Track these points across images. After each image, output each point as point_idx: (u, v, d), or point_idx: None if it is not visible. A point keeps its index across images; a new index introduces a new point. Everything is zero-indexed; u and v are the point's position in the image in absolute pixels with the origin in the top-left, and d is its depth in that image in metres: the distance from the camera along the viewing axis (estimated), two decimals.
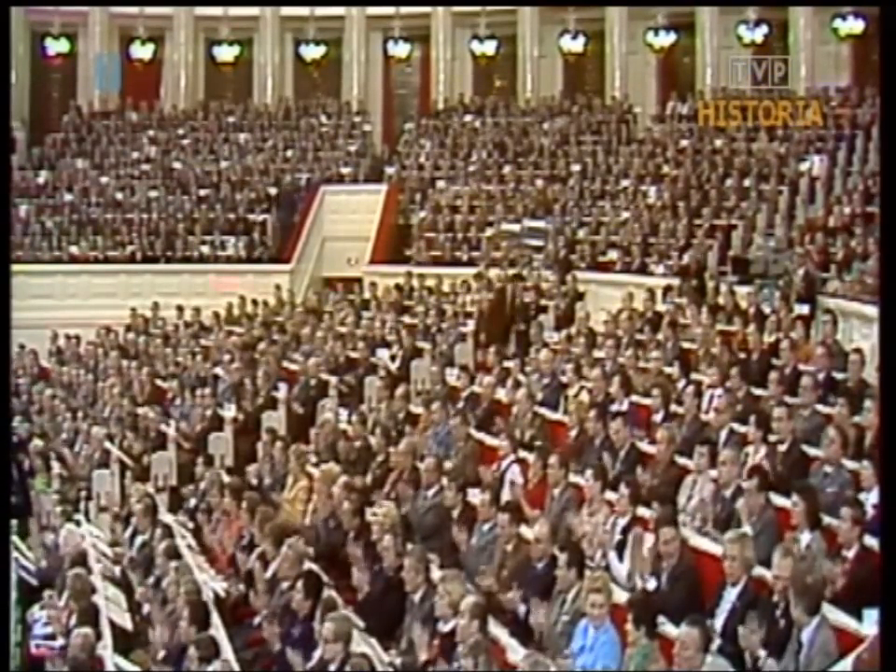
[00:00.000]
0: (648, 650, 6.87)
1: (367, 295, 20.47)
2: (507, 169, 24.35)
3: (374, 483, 11.22)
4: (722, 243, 18.45)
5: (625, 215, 21.24)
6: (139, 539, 11.09)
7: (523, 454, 10.61)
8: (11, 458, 12.97)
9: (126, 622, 9.35)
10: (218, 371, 16.58)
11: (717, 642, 6.97)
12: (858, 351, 11.27)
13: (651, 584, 7.88)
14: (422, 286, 19.58)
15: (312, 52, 27.80)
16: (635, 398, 11.69)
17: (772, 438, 9.47)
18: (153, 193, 24.94)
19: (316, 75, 28.66)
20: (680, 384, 11.63)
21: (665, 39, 25.62)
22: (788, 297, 14.76)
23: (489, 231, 22.26)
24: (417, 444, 11.50)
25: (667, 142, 23.43)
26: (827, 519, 7.85)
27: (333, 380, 15.12)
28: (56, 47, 27.49)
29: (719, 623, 7.26)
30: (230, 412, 14.84)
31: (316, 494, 10.70)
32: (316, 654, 7.71)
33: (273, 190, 24.77)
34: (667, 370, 12.44)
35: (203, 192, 24.91)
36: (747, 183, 20.41)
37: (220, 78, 28.69)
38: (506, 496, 9.83)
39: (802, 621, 6.58)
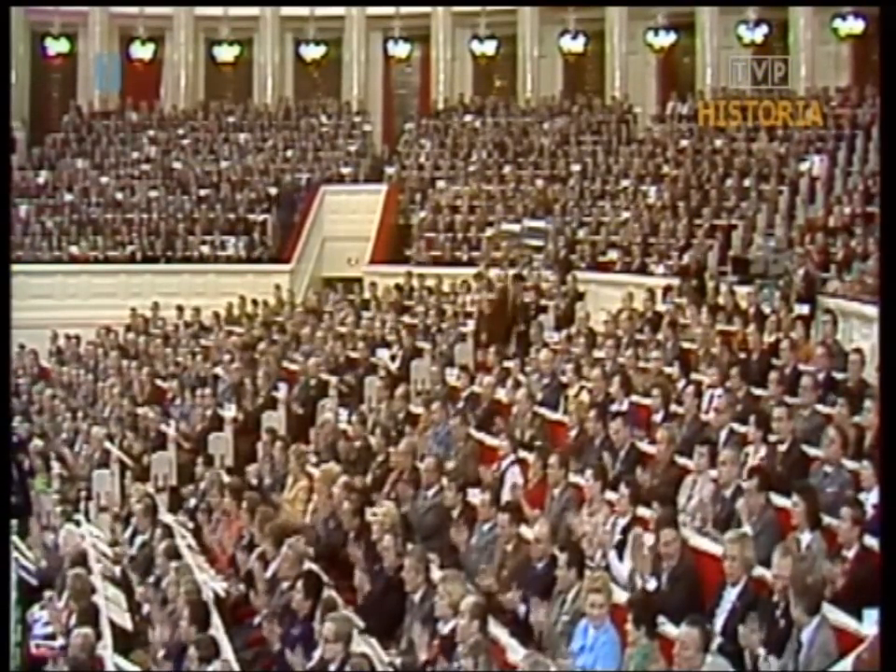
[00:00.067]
0: (648, 650, 6.87)
1: (367, 295, 20.47)
2: (507, 169, 24.35)
3: (374, 483, 11.21)
4: (722, 243, 18.46)
5: (625, 215, 21.25)
6: (139, 539, 11.09)
7: (523, 454, 10.61)
8: (11, 458, 12.97)
9: (126, 622, 9.35)
10: (218, 371, 16.57)
11: (717, 642, 6.97)
12: (858, 351, 11.27)
13: (652, 584, 7.88)
14: (422, 286, 19.58)
15: (312, 52, 27.80)
16: (635, 398, 11.69)
17: (772, 438, 9.47)
18: (153, 193, 24.94)
19: (316, 75, 28.66)
20: (680, 384, 11.63)
21: (665, 39, 25.62)
22: (788, 297, 14.76)
23: (489, 231, 22.26)
24: (417, 444, 11.50)
25: (667, 142, 23.43)
26: (827, 519, 7.85)
27: (333, 380, 15.12)
28: (56, 47, 27.49)
29: (719, 623, 7.26)
30: (230, 412, 14.84)
31: (317, 494, 10.70)
32: (316, 654, 7.71)
33: (273, 190, 24.77)
34: (667, 370, 12.44)
35: (203, 192, 24.91)
36: (747, 183, 20.41)
37: (220, 78, 28.69)
38: (506, 496, 9.83)
39: (802, 621, 6.58)
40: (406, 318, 18.01)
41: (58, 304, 22.29)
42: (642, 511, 8.69)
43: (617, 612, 7.23)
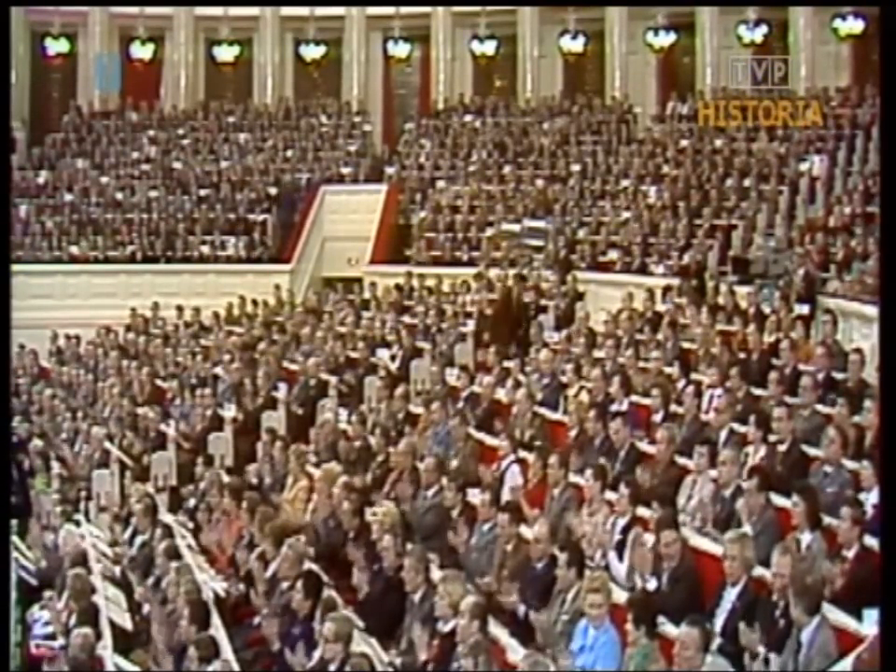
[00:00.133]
0: (648, 650, 6.87)
1: (367, 295, 20.47)
2: (507, 169, 24.35)
3: (374, 482, 11.21)
4: (722, 243, 18.46)
5: (625, 215, 21.25)
6: (139, 539, 11.09)
7: (523, 454, 10.61)
8: (11, 458, 12.96)
9: (126, 622, 9.36)
10: (218, 371, 16.57)
11: (717, 642, 6.97)
12: (858, 351, 11.27)
13: (652, 584, 7.88)
14: (422, 286, 19.58)
15: (312, 52, 27.79)
16: (635, 398, 11.69)
17: (772, 438, 9.47)
18: (153, 193, 24.94)
19: (316, 75, 28.65)
20: (680, 384, 11.63)
21: (665, 39, 25.60)
22: (788, 297, 14.76)
23: (489, 231, 22.26)
24: (417, 444, 11.50)
25: (667, 142, 23.43)
26: (827, 519, 7.85)
27: (333, 380, 15.12)
28: (56, 47, 27.48)
29: (719, 623, 7.26)
30: (230, 412, 14.84)
31: (317, 493, 10.69)
32: (316, 654, 7.71)
33: (273, 190, 24.77)
34: (667, 370, 12.44)
35: (203, 192, 24.91)
36: (747, 183, 20.41)
37: (220, 78, 28.68)
38: (506, 496, 9.83)
39: (801, 621, 6.59)
40: (406, 318, 18.01)
41: (58, 304, 22.29)
42: (642, 511, 8.69)
43: (617, 612, 7.23)
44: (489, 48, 27.10)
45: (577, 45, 26.45)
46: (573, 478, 9.64)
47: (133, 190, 25.03)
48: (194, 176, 25.37)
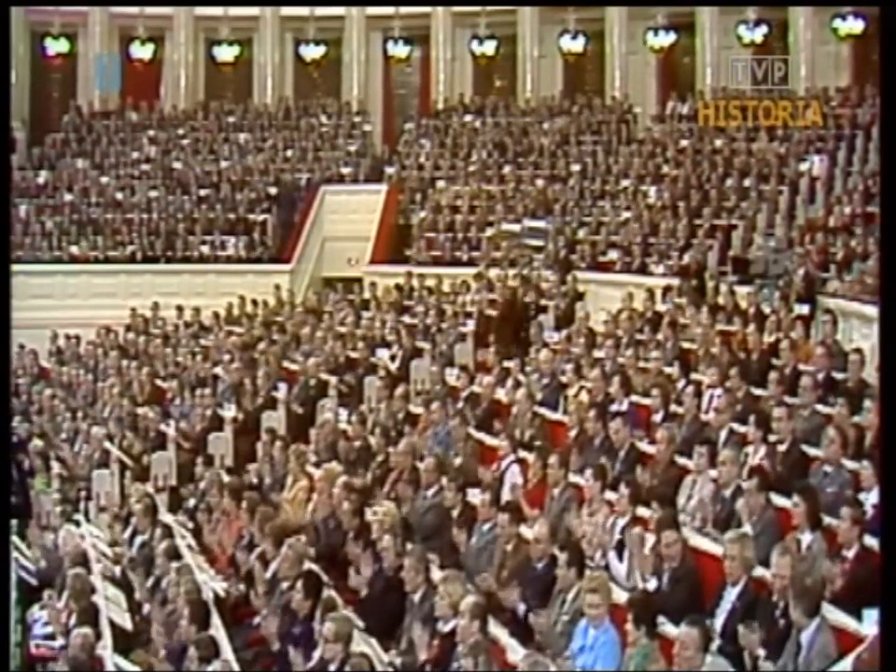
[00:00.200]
0: (648, 650, 6.87)
1: (367, 295, 20.47)
2: (507, 169, 24.35)
3: (374, 482, 11.21)
4: (722, 243, 18.46)
5: (625, 215, 21.25)
6: (139, 539, 11.09)
7: (523, 454, 10.61)
8: (11, 458, 12.95)
9: (126, 622, 9.36)
10: (218, 371, 16.57)
11: (717, 642, 6.97)
12: (858, 351, 11.27)
13: (652, 584, 7.88)
14: (422, 286, 19.58)
15: (312, 52, 27.78)
16: (634, 398, 11.69)
17: (772, 438, 9.47)
18: (153, 193, 24.94)
19: (316, 75, 28.65)
20: (680, 384, 11.63)
21: (665, 39, 25.59)
22: (788, 297, 14.76)
23: (489, 231, 22.26)
24: (417, 444, 11.50)
25: (667, 142, 23.43)
26: (827, 519, 7.85)
27: (333, 380, 15.12)
28: (56, 47, 27.46)
29: (719, 623, 7.26)
30: (230, 412, 14.84)
31: (317, 493, 10.69)
32: (316, 654, 7.71)
33: (273, 190, 24.77)
34: (667, 370, 12.44)
35: (203, 192, 24.91)
36: (747, 183, 20.41)
37: (220, 78, 28.68)
38: (506, 496, 9.83)
39: (801, 623, 6.58)
40: (406, 318, 18.01)
41: (58, 304, 22.29)
42: (642, 511, 8.69)
43: (617, 612, 7.22)
44: (489, 48, 27.09)
45: (577, 45, 26.45)
46: (573, 478, 9.64)
47: (132, 190, 25.03)
48: (194, 176, 25.37)
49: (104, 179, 25.45)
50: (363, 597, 8.80)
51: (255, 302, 20.20)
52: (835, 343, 12.35)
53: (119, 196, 24.95)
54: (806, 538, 7.71)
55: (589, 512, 8.98)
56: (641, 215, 20.64)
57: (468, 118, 26.63)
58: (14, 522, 11.69)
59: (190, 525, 11.74)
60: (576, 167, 23.66)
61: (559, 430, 11.64)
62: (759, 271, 16.31)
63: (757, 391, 11.15)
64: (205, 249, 23.47)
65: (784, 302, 14.45)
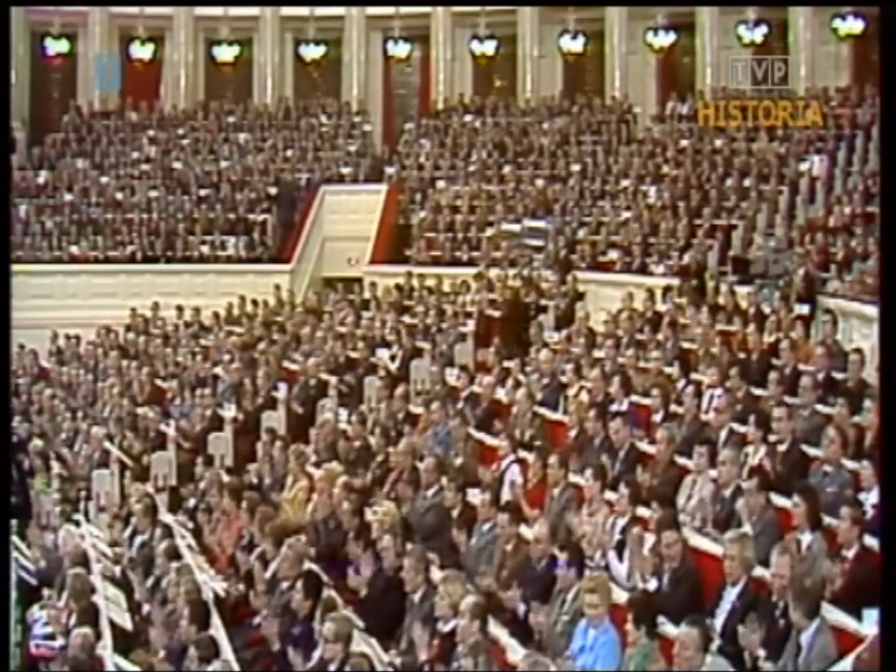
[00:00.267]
0: (648, 650, 6.87)
1: (367, 295, 20.48)
2: (507, 169, 24.35)
3: (374, 482, 11.21)
4: (722, 243, 18.46)
5: (625, 215, 21.25)
6: (139, 539, 11.09)
7: (523, 454, 10.61)
8: (11, 458, 12.95)
9: (126, 622, 9.35)
10: (218, 371, 16.57)
11: (717, 642, 6.97)
12: (858, 351, 11.27)
13: (652, 584, 7.88)
14: (422, 286, 19.58)
15: (312, 52, 27.77)
16: (634, 398, 11.69)
17: (772, 438, 9.47)
18: (153, 193, 24.93)
19: (316, 75, 28.65)
20: (680, 384, 11.63)
21: (665, 39, 25.60)
22: (788, 297, 14.77)
23: (489, 231, 22.26)
24: (417, 444, 11.50)
25: (667, 142, 23.43)
26: (827, 519, 7.85)
27: (333, 380, 15.12)
28: (56, 47, 27.47)
29: (719, 623, 7.26)
30: (230, 412, 14.84)
31: (318, 493, 10.69)
32: (316, 654, 7.71)
33: (273, 190, 24.77)
34: (667, 370, 12.44)
35: (203, 192, 24.91)
36: (747, 183, 20.41)
37: (220, 78, 28.68)
38: (506, 496, 9.83)
39: (801, 624, 6.58)
40: (406, 318, 18.01)
41: (58, 304, 22.29)
42: (642, 511, 8.69)
43: (617, 612, 7.23)
44: (489, 48, 27.09)
45: (577, 45, 26.44)
46: (573, 478, 9.64)
47: (133, 190, 25.03)
48: (194, 176, 25.37)
49: (104, 179, 25.45)
50: (363, 597, 8.80)
51: (255, 302, 20.20)
52: (835, 342, 12.35)
53: (119, 196, 24.95)
54: (806, 538, 7.71)
55: (589, 512, 8.97)
56: (641, 215, 20.64)
57: (468, 118, 26.62)
58: (14, 522, 11.68)
59: (190, 525, 11.74)
60: (576, 167, 23.65)
61: (559, 430, 11.64)
62: (759, 271, 16.31)
63: (757, 391, 11.15)
64: (205, 249, 23.47)
65: (784, 302, 14.46)
